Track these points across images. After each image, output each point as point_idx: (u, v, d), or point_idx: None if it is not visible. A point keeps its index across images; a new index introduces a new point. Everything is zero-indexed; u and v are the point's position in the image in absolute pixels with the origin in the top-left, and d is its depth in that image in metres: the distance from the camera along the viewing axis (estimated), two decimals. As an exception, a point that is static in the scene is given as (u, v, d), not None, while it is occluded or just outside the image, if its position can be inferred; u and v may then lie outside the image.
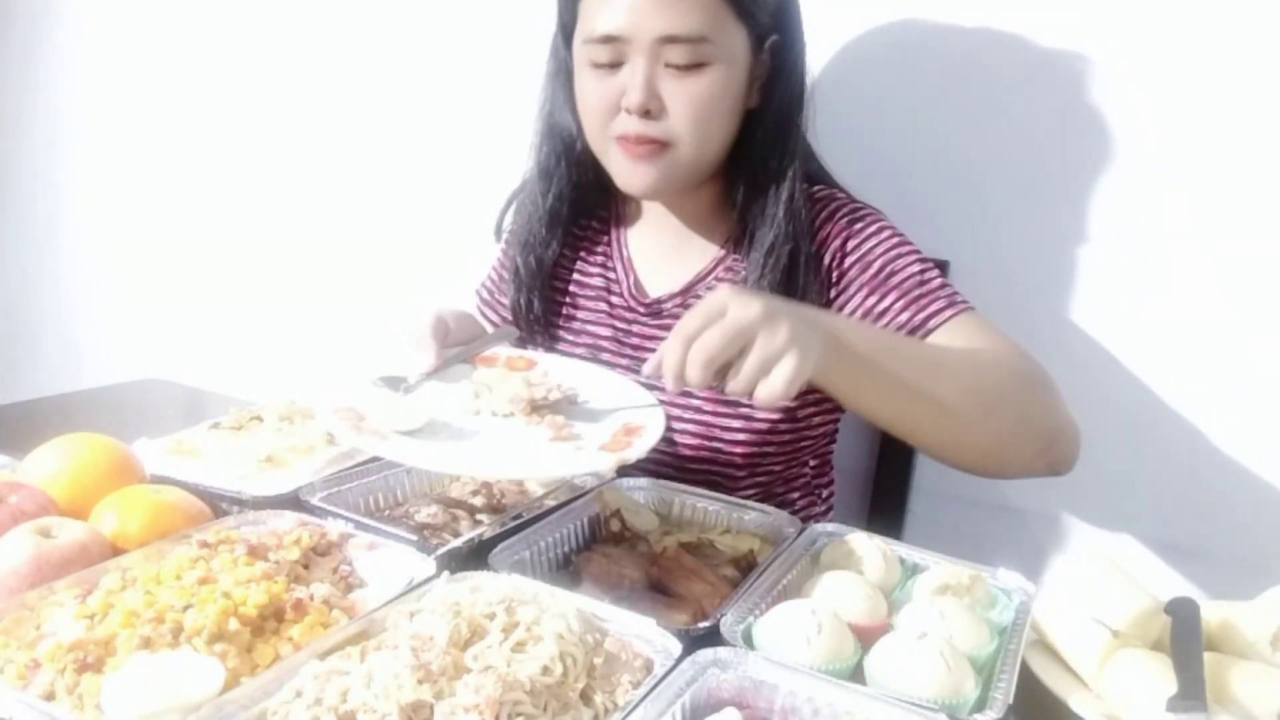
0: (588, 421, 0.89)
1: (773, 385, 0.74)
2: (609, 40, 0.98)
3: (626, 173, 1.05)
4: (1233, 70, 1.14)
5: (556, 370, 0.96)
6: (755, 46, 1.02)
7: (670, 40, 0.96)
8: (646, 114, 0.99)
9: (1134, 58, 1.19)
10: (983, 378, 0.91)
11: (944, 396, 0.88)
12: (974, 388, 0.90)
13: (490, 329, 1.24)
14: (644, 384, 0.98)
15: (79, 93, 2.21)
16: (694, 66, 0.98)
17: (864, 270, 1.05)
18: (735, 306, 0.75)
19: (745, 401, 1.08)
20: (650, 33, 0.96)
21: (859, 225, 1.07)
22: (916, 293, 1.02)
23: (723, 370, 0.76)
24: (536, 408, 0.88)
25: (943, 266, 1.25)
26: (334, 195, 1.87)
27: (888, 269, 1.04)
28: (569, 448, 0.84)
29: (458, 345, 0.98)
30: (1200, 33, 1.15)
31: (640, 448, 0.82)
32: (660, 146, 1.01)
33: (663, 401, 1.11)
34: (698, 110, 0.99)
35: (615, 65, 1.00)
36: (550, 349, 1.19)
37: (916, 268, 1.04)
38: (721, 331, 0.74)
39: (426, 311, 0.98)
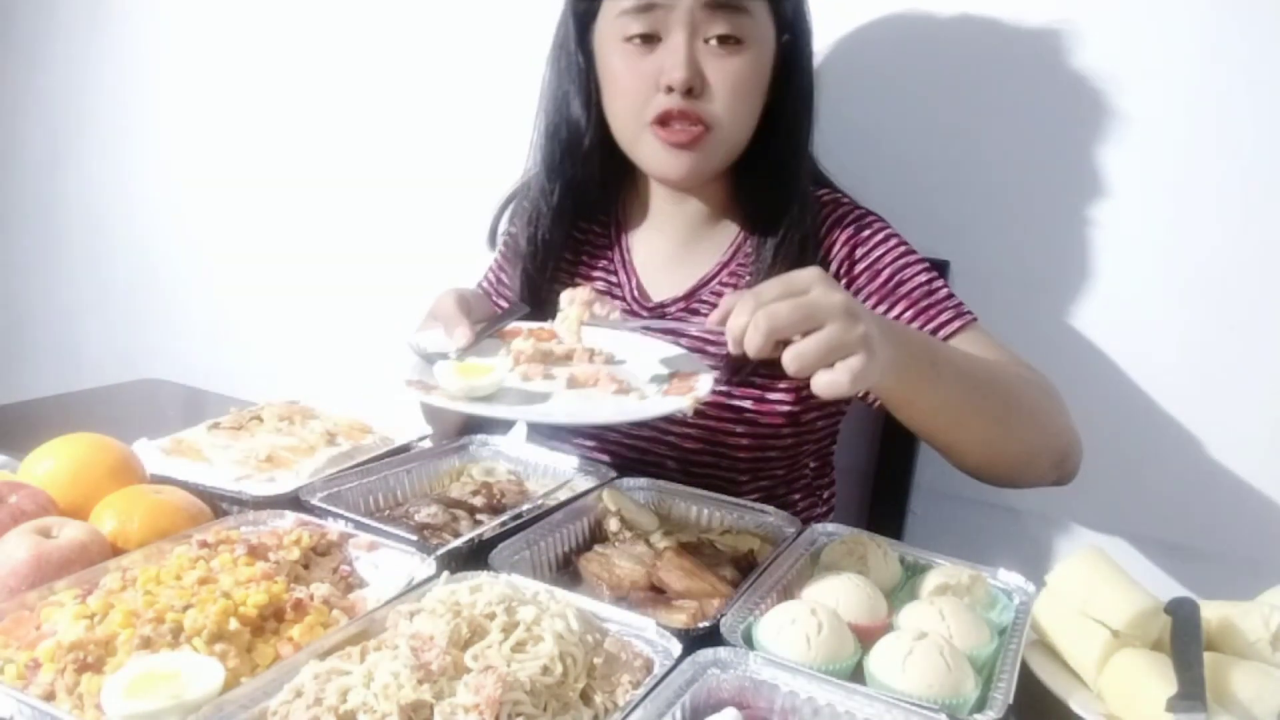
0: (637, 377, 0.90)
1: (837, 377, 0.71)
2: (647, 8, 0.96)
3: (662, 159, 1.03)
4: (1234, 70, 1.14)
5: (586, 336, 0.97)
6: (777, 36, 1.02)
7: (715, 7, 0.95)
8: (688, 92, 0.97)
9: (1136, 57, 1.19)
10: (1020, 391, 0.93)
11: (992, 409, 0.89)
12: (1014, 401, 0.91)
13: None
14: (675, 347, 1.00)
15: (77, 94, 2.21)
16: (734, 44, 0.97)
17: (873, 279, 1.06)
18: (819, 288, 0.72)
19: (749, 407, 1.08)
20: None
21: (866, 233, 1.08)
22: (925, 303, 1.03)
23: (781, 347, 0.72)
24: (580, 368, 0.90)
25: (943, 267, 1.25)
26: (333, 198, 1.87)
27: (896, 278, 1.05)
28: (634, 398, 0.85)
29: (480, 322, 0.98)
30: (1203, 33, 1.15)
31: (704, 386, 0.84)
32: (701, 131, 0.99)
33: None
34: (737, 89, 0.98)
35: (650, 41, 0.98)
36: None
37: (924, 277, 1.05)
38: (796, 306, 0.71)
39: (447, 293, 0.97)
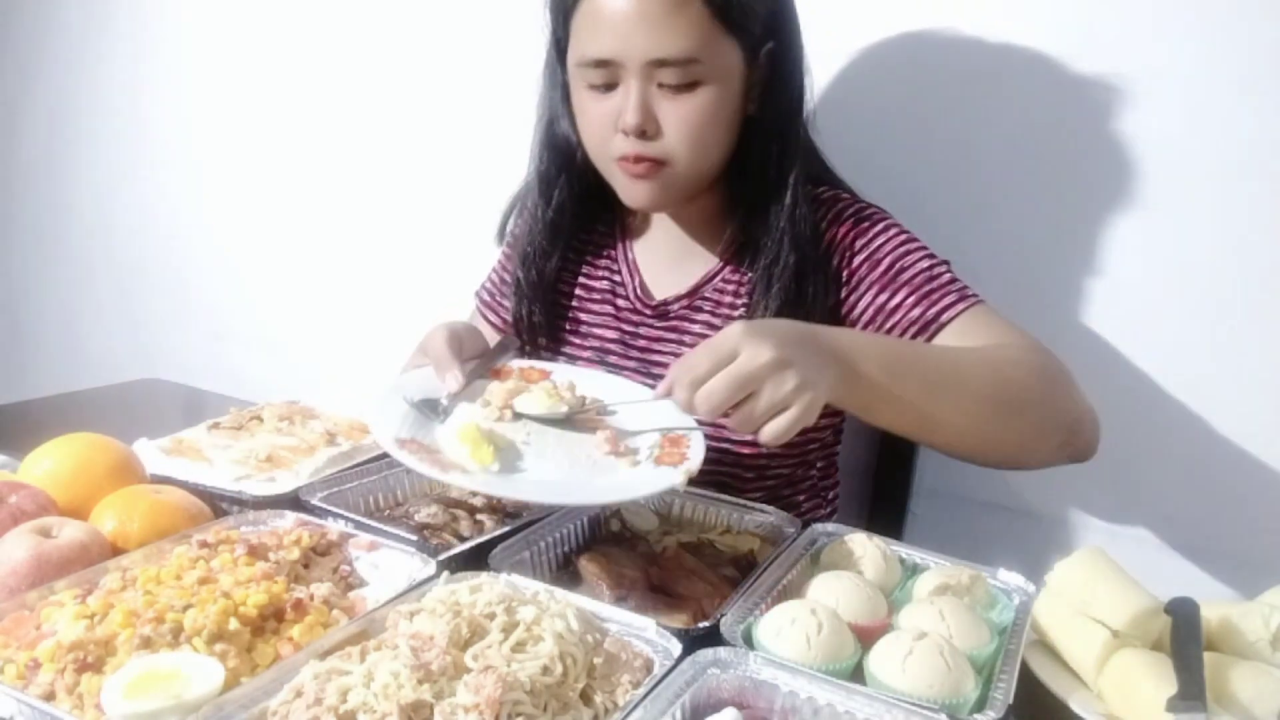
0: (629, 432, 0.90)
1: (776, 429, 0.78)
2: (601, 64, 0.99)
3: (628, 190, 1.06)
4: (1233, 68, 1.14)
5: (577, 381, 0.96)
6: (750, 57, 1.02)
7: (661, 63, 0.97)
8: (642, 134, 0.99)
9: (1134, 61, 1.19)
10: (1002, 380, 0.92)
11: (964, 405, 0.89)
12: (994, 392, 0.90)
13: (491, 333, 1.24)
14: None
15: (77, 94, 2.21)
16: (687, 86, 0.98)
17: (873, 268, 1.05)
18: (746, 351, 0.77)
19: None
20: (640, 56, 0.96)
21: (866, 224, 1.07)
22: (927, 288, 1.02)
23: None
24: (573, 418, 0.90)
25: (943, 266, 1.25)
26: (334, 197, 1.87)
27: (897, 265, 1.04)
28: (626, 463, 0.85)
29: (473, 359, 0.98)
30: (1202, 34, 1.15)
31: (696, 457, 0.85)
32: (657, 165, 1.01)
33: None
34: (692, 129, 1.00)
35: (610, 85, 1.00)
36: (556, 353, 1.19)
37: (926, 263, 1.04)
38: (728, 380, 0.76)
39: (438, 330, 0.97)
